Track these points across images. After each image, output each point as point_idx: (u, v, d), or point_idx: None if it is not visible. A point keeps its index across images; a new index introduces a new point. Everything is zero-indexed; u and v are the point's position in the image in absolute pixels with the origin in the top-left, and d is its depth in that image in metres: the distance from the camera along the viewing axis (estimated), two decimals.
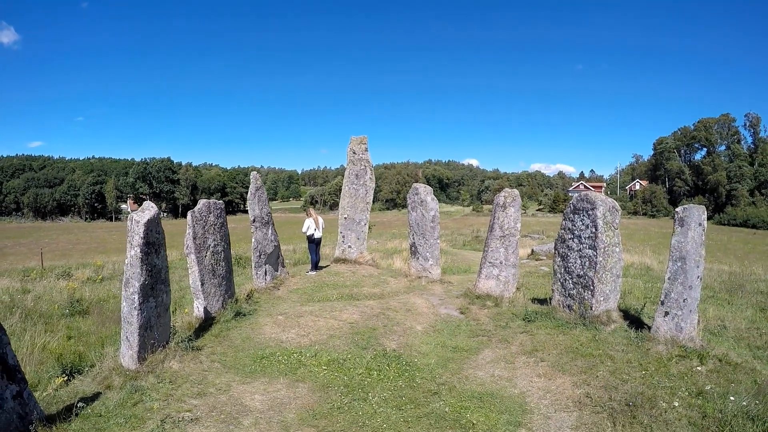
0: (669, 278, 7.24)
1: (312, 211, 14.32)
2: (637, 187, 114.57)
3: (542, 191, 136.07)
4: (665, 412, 5.32)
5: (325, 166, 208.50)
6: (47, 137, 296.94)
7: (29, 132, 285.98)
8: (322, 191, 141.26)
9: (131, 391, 5.95)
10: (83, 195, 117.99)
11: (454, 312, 9.72)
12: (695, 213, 7.17)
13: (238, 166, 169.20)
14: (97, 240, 58.38)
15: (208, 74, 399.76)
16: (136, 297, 6.59)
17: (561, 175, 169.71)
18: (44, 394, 6.14)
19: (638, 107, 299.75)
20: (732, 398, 5.51)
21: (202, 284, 8.74)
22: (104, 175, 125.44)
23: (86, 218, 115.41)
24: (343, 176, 15.19)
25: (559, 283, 9.04)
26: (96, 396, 5.94)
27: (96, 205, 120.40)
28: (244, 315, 9.02)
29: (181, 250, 12.49)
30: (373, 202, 15.45)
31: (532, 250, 21.68)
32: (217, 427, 5.22)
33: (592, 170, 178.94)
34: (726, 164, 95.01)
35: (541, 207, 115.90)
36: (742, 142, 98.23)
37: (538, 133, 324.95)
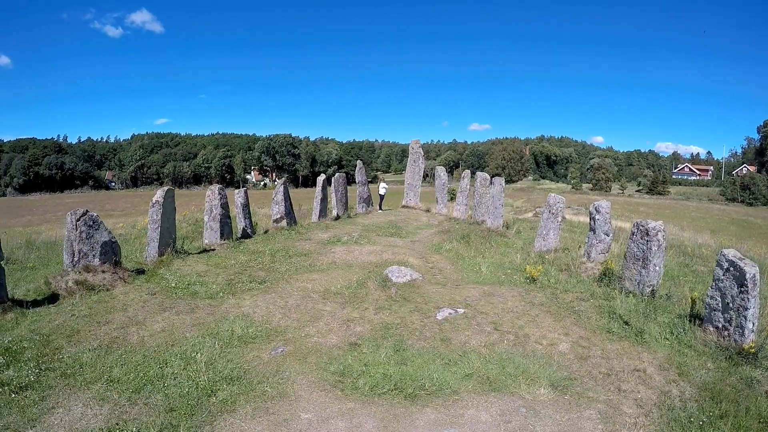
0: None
1: (382, 176, 30.23)
2: (745, 171, 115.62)
3: (642, 172, 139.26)
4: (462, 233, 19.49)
5: (438, 140, 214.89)
6: (172, 114, 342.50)
7: (156, 110, 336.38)
8: (431, 165, 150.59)
9: (306, 229, 21.19)
10: (215, 167, 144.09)
11: (434, 221, 24.26)
12: (497, 180, 20.91)
13: (353, 140, 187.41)
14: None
15: (327, 54, 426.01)
16: (317, 202, 22.03)
17: (675, 155, 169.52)
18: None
19: None
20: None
21: (336, 203, 24.14)
22: (231, 149, 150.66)
23: None
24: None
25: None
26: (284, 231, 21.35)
27: (225, 175, 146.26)
28: (351, 218, 24.38)
29: (309, 205, 27.91)
30: None
31: (535, 212, 35.00)
32: (331, 233, 20.39)
33: (708, 152, 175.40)
34: None
35: (639, 188, 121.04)
36: None
37: (664, 112, 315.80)
